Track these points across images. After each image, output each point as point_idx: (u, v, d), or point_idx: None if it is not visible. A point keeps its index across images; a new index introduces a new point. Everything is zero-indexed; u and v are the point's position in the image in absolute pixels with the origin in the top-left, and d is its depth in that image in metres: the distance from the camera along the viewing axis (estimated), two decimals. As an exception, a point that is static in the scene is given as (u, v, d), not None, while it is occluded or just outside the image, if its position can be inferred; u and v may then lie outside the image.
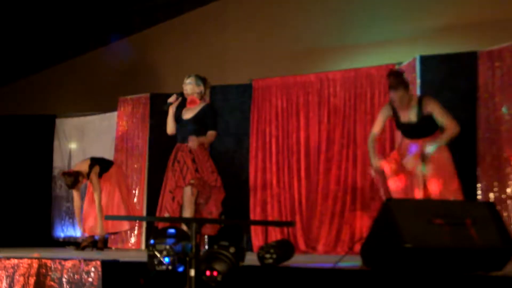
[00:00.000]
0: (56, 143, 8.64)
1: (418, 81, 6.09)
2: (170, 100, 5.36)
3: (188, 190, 5.11)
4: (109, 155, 8.17)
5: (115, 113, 8.15)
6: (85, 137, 8.56)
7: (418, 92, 6.07)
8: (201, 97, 5.42)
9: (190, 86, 5.39)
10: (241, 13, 8.15)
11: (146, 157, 7.77)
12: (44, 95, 9.33)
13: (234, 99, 7.35)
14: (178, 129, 5.39)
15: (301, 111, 6.99)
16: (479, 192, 5.70)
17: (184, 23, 8.56)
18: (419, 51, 6.37)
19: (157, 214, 5.23)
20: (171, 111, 5.40)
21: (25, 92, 9.48)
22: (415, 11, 6.90)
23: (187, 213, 5.09)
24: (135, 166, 7.84)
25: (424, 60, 6.11)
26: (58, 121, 8.74)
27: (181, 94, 5.38)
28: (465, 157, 5.80)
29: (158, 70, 8.68)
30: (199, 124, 5.28)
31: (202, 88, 5.42)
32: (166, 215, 5.13)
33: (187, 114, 5.39)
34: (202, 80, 5.44)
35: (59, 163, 8.57)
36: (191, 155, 5.16)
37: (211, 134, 5.32)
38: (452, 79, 6.00)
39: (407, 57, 6.44)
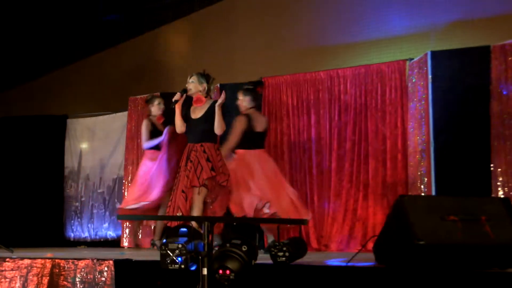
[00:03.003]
0: (67, 143, 8.68)
1: (429, 76, 6.05)
2: (176, 98, 5.32)
3: (195, 189, 5.10)
4: (120, 154, 8.20)
5: (126, 113, 8.17)
6: (95, 137, 8.58)
7: (429, 88, 6.04)
8: (207, 95, 5.38)
9: (193, 85, 5.37)
10: (250, 11, 8.14)
11: (157, 156, 7.77)
12: (55, 96, 9.37)
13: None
14: (189, 128, 5.36)
15: (312, 108, 6.97)
16: (493, 188, 5.66)
17: (193, 22, 8.57)
18: (430, 46, 6.33)
19: (170, 213, 5.22)
20: (178, 109, 5.36)
21: (37, 93, 9.53)
22: (426, 6, 6.86)
23: (195, 212, 5.07)
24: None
25: (436, 55, 6.07)
26: (69, 121, 8.77)
27: (185, 91, 5.35)
28: (478, 153, 5.76)
29: (168, 69, 8.69)
30: (210, 122, 5.24)
31: (205, 85, 5.38)
32: (179, 214, 5.12)
33: (196, 113, 5.36)
34: (205, 77, 5.41)
35: (69, 163, 8.60)
36: (205, 155, 5.15)
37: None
38: (464, 74, 5.95)
39: (418, 52, 6.40)
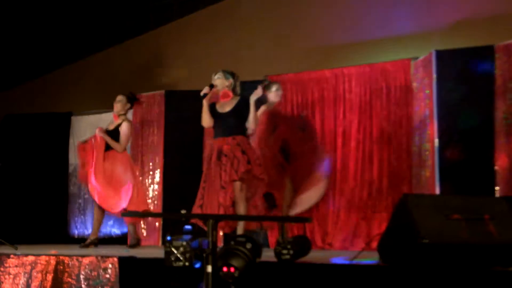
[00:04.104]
0: (71, 141, 8.68)
1: (434, 76, 6.04)
2: (205, 91, 5.23)
3: (237, 186, 5.03)
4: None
5: (130, 111, 8.16)
6: (100, 134, 8.59)
7: (434, 87, 6.03)
8: (233, 90, 5.34)
9: (219, 81, 5.31)
10: (255, 10, 8.13)
11: (162, 154, 7.79)
12: (60, 93, 9.38)
13: (249, 95, 7.33)
14: (217, 122, 5.28)
15: (316, 107, 6.97)
16: (497, 187, 5.66)
17: (198, 20, 8.57)
18: (435, 45, 6.33)
19: (209, 211, 5.07)
20: (206, 103, 5.29)
21: (42, 91, 9.54)
22: (431, 6, 6.85)
23: (241, 208, 4.99)
24: (151, 162, 7.87)
25: (440, 54, 6.06)
26: (73, 119, 8.78)
27: (212, 86, 5.27)
28: (483, 152, 5.76)
29: (173, 67, 8.69)
30: (240, 116, 5.19)
31: (231, 81, 5.34)
32: (179, 211, 5.09)
33: (224, 108, 5.29)
34: (230, 74, 5.38)
35: (73, 161, 8.61)
36: (239, 147, 5.06)
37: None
38: (469, 73, 5.95)
39: (423, 52, 6.39)
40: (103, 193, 6.23)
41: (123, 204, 6.21)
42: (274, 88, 6.16)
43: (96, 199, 6.28)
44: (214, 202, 5.05)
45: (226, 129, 5.20)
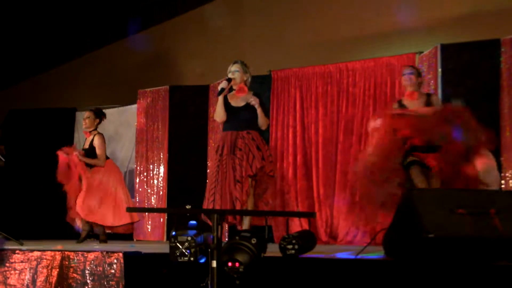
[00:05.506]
0: (76, 136, 8.71)
1: (439, 70, 6.02)
2: (223, 86, 5.07)
3: (249, 181, 4.95)
4: (129, 147, 8.21)
5: (135, 106, 8.19)
6: (104, 130, 8.57)
7: (439, 81, 6.01)
8: (248, 85, 5.22)
9: (238, 74, 5.15)
10: (259, 4, 8.13)
11: (166, 148, 7.80)
12: (64, 88, 9.40)
13: (253, 90, 7.33)
14: (230, 116, 5.15)
15: (320, 101, 6.96)
16: (503, 181, 5.64)
17: (203, 15, 8.57)
18: (440, 39, 6.31)
19: (223, 206, 4.95)
20: (221, 98, 5.14)
21: (46, 86, 9.56)
22: (436, -1, 6.84)
23: (249, 204, 4.95)
24: (155, 158, 7.88)
25: (446, 48, 6.04)
26: (78, 114, 8.79)
27: (229, 79, 5.13)
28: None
29: (177, 62, 8.69)
30: (254, 111, 5.07)
31: (248, 75, 5.22)
32: (188, 207, 5.07)
33: (238, 102, 5.17)
34: (246, 66, 5.24)
35: (78, 156, 8.62)
36: (255, 143, 4.99)
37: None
38: (474, 67, 5.92)
39: (428, 46, 6.37)
40: (102, 211, 6.40)
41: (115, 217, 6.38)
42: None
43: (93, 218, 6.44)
44: (226, 196, 4.97)
45: (240, 123, 5.08)
